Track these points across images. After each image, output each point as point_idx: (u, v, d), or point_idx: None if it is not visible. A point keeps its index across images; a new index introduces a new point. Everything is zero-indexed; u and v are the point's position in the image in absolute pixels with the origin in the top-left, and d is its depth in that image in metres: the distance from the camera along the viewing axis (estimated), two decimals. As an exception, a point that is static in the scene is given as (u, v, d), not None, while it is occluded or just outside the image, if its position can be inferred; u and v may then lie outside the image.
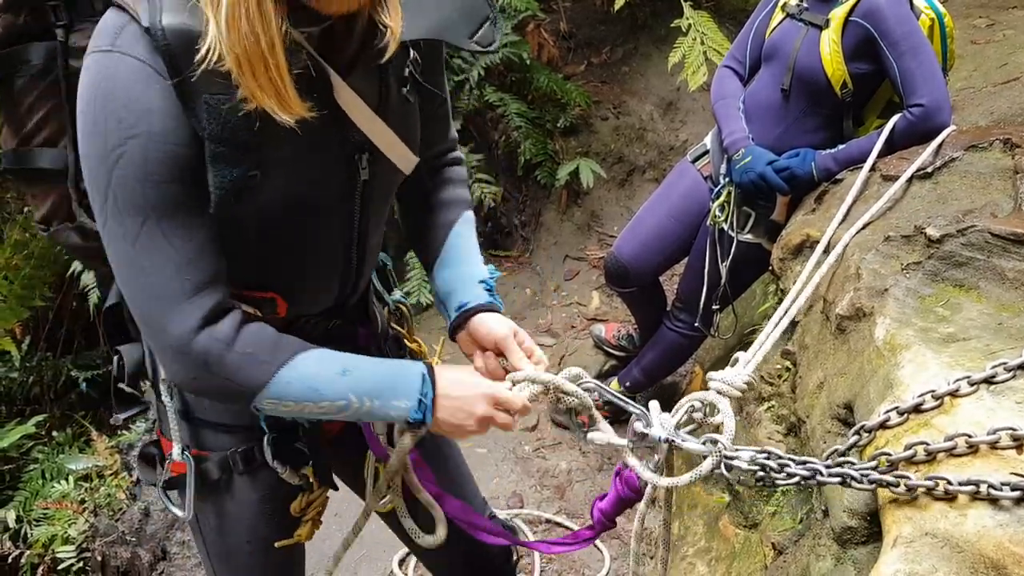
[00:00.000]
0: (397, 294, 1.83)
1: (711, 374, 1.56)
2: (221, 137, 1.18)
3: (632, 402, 1.53)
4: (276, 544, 1.65)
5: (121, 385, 1.61)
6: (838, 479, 1.29)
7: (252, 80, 1.12)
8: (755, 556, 2.45)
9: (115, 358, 1.59)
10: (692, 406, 1.47)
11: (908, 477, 1.22)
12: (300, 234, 1.41)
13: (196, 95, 1.15)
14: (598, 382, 1.52)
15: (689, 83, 3.94)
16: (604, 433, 1.52)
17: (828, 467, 1.30)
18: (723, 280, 2.98)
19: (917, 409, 1.37)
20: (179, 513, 1.58)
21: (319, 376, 1.32)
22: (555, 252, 4.62)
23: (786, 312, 1.80)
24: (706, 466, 1.39)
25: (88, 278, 3.80)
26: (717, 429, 1.43)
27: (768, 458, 1.36)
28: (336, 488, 1.69)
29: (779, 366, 2.55)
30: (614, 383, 3.62)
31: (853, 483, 1.27)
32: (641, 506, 1.68)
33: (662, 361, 3.43)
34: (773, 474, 1.35)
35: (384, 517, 1.80)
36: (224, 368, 1.27)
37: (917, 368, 1.48)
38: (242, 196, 1.25)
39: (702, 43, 3.96)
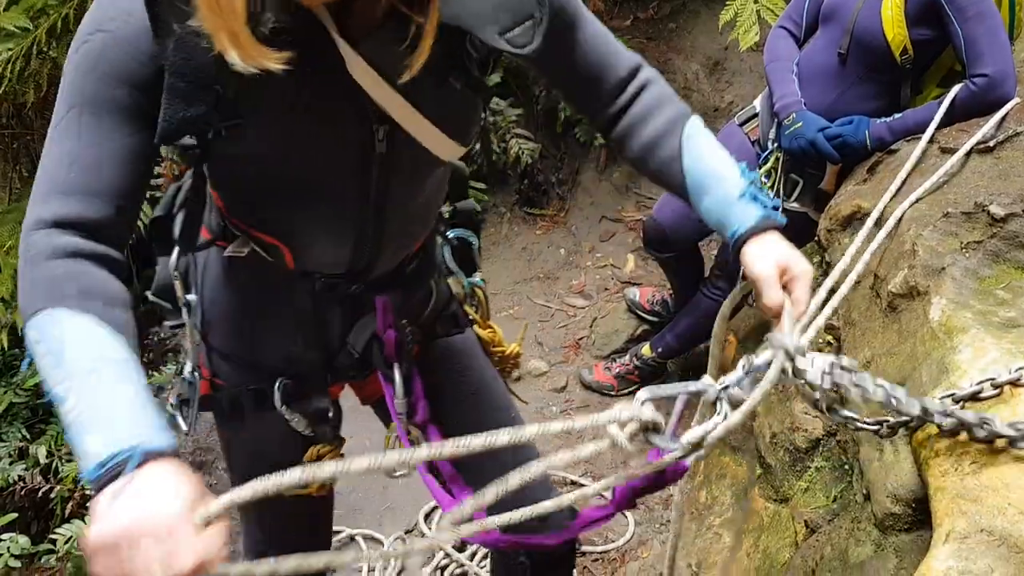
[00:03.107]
0: (477, 277, 1.79)
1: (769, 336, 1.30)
2: (181, 71, 1.13)
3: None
4: (287, 493, 1.61)
5: (148, 293, 1.62)
6: (918, 409, 1.20)
7: (208, 12, 1.05)
8: (785, 531, 2.41)
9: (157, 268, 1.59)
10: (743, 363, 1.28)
11: (991, 422, 1.15)
12: (300, 195, 1.36)
13: (168, 22, 1.11)
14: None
15: (740, 43, 3.81)
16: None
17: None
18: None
19: (975, 397, 1.31)
20: (182, 426, 1.55)
21: (74, 349, 1.06)
22: (591, 212, 4.54)
23: (836, 287, 1.72)
24: (772, 373, 1.21)
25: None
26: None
27: (843, 369, 1.20)
28: (333, 443, 1.65)
29: (820, 340, 2.49)
30: (646, 348, 3.58)
31: (935, 416, 1.19)
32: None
33: (697, 328, 3.37)
34: (846, 390, 1.19)
35: None
36: (27, 272, 1.14)
37: (975, 353, 1.42)
38: (209, 142, 1.21)
39: (755, 1, 3.82)
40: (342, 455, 1.65)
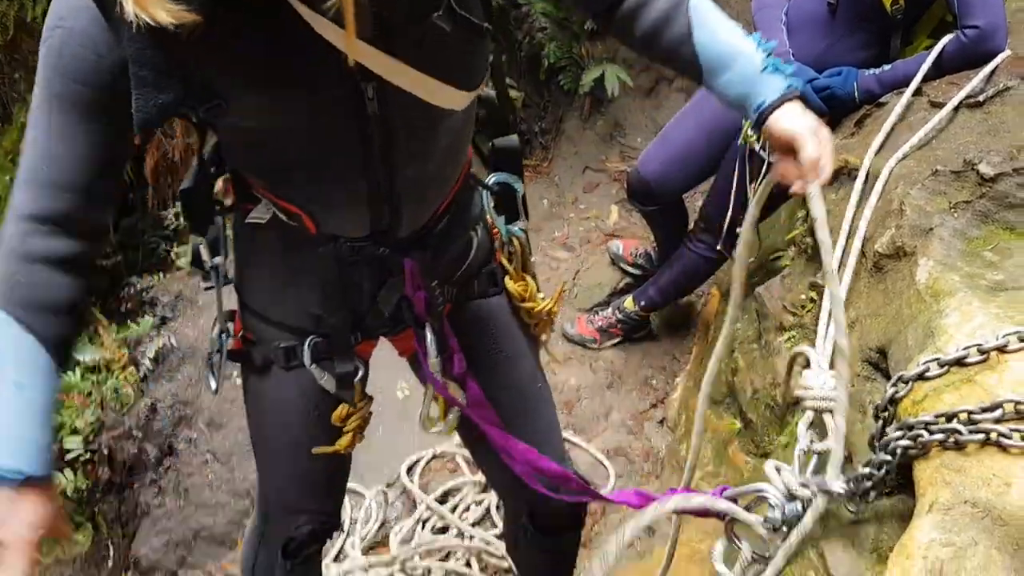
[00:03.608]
0: (519, 225, 1.70)
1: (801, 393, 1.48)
2: (141, 60, 1.11)
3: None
4: (315, 451, 1.64)
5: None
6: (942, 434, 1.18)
7: None
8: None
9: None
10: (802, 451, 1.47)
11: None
12: (304, 166, 1.32)
13: (111, 5, 1.06)
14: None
15: (726, -11, 3.73)
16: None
17: (931, 424, 1.19)
18: (750, 203, 2.87)
19: (960, 362, 1.29)
20: (212, 385, 1.61)
21: None
22: (575, 163, 4.48)
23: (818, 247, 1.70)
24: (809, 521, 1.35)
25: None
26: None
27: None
28: (355, 406, 1.64)
29: (803, 296, 2.47)
30: (628, 301, 3.56)
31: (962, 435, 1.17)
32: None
33: (680, 282, 3.35)
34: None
35: None
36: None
37: (962, 317, 1.39)
38: (200, 121, 1.24)
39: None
40: (370, 413, 1.66)
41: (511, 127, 1.71)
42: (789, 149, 1.44)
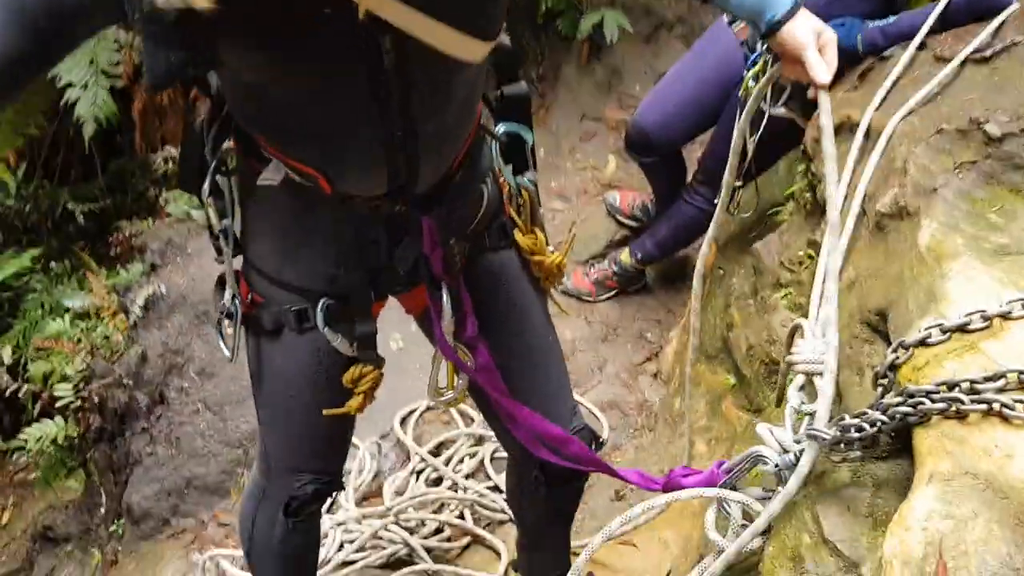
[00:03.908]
0: (528, 176, 1.66)
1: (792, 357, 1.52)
2: (152, 16, 1.03)
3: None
4: (325, 412, 1.63)
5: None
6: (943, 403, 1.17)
7: None
8: (758, 442, 2.41)
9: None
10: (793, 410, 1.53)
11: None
12: (321, 119, 1.28)
13: None
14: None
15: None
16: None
17: (933, 393, 1.18)
18: (749, 156, 2.82)
19: (963, 329, 1.27)
20: (225, 353, 1.61)
21: None
22: (572, 111, 4.40)
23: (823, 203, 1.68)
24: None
25: (82, 108, 3.62)
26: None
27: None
28: (379, 367, 1.63)
29: (801, 253, 2.45)
30: (624, 254, 3.53)
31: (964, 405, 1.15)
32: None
33: (677, 235, 3.32)
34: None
35: None
36: None
37: (965, 281, 1.37)
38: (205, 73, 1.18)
39: None
40: (382, 375, 1.65)
41: (519, 74, 1.65)
42: (797, 59, 1.58)
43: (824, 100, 1.60)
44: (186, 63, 1.11)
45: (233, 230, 1.53)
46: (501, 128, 1.62)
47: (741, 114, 2.79)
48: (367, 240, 1.52)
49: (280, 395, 1.67)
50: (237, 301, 1.57)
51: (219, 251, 1.56)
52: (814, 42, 1.56)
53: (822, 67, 1.56)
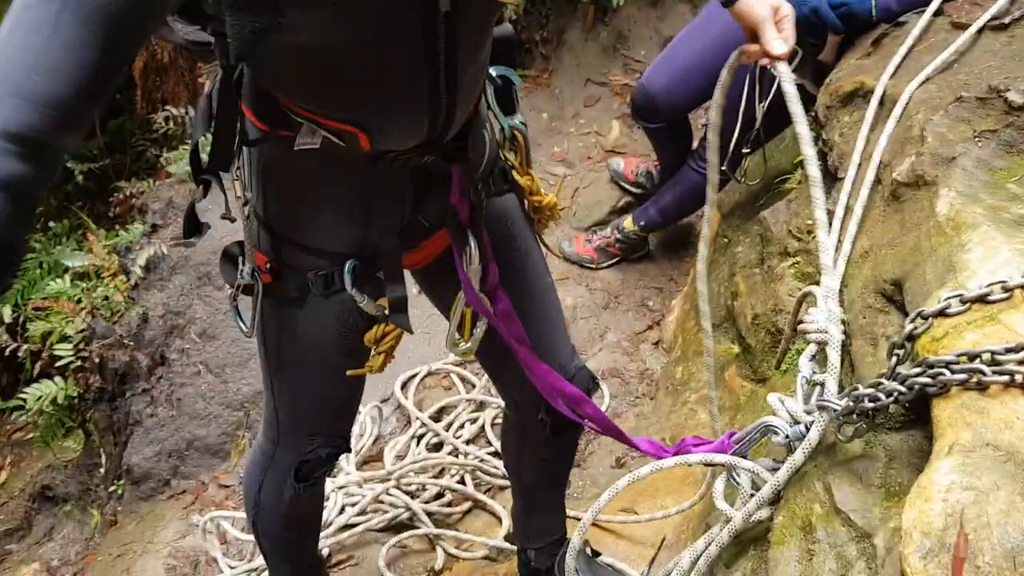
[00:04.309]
0: (518, 118, 1.68)
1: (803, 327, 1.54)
2: None
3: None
4: (348, 372, 1.63)
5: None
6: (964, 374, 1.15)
7: None
8: (762, 412, 2.40)
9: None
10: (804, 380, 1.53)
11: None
12: (369, 70, 1.28)
13: None
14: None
15: None
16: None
17: (953, 364, 1.16)
18: (757, 123, 2.79)
19: (983, 300, 1.25)
20: (243, 329, 1.59)
21: None
22: (576, 75, 4.35)
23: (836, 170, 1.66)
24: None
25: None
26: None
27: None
28: (412, 331, 1.62)
29: (810, 221, 2.42)
30: (628, 221, 3.50)
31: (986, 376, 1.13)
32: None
33: (681, 202, 3.30)
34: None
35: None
36: None
37: (985, 252, 1.35)
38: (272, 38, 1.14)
39: None
40: (401, 333, 1.65)
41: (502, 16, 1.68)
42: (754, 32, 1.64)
43: (783, 69, 1.67)
44: (265, 27, 1.11)
45: (254, 201, 1.52)
46: (493, 71, 1.64)
47: (748, 82, 2.77)
48: (394, 197, 1.52)
49: (299, 360, 1.67)
50: (257, 274, 1.55)
51: (232, 220, 1.53)
52: (771, 16, 1.61)
53: (777, 40, 1.62)
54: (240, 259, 1.60)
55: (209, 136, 1.39)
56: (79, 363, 3.28)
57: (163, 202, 3.67)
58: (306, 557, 2.14)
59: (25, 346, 3.42)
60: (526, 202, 1.77)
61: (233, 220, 1.51)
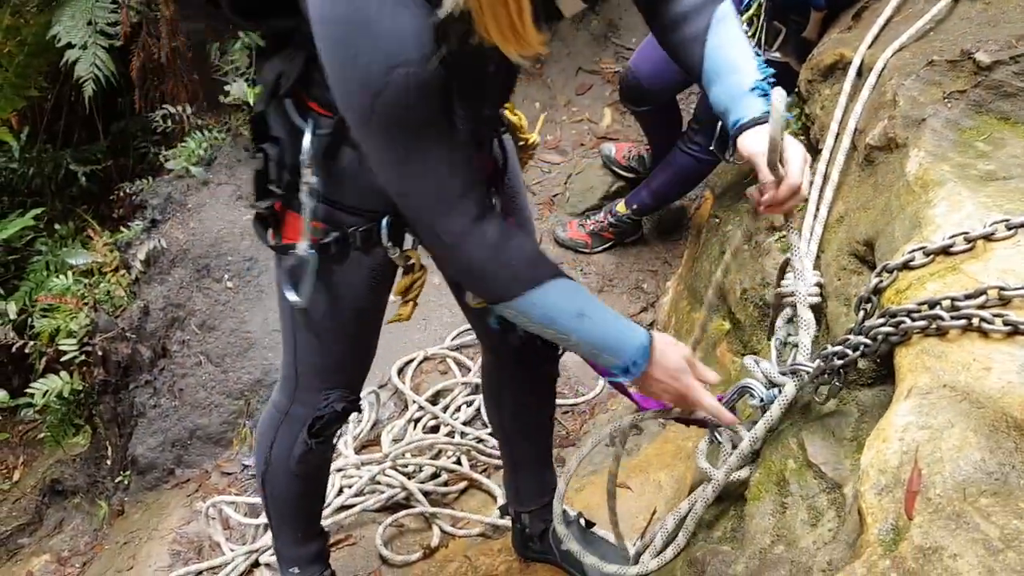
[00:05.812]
0: None
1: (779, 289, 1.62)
2: (465, 75, 1.23)
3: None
4: (386, 321, 1.85)
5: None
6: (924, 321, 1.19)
7: (493, 23, 1.13)
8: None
9: (262, 156, 1.63)
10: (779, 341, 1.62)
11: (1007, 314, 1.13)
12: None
13: (444, 33, 1.17)
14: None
15: None
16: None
17: (914, 312, 1.20)
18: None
19: (946, 251, 1.28)
20: (293, 298, 1.68)
21: (559, 309, 1.44)
22: (568, 64, 4.37)
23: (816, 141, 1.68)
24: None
25: (82, 69, 3.60)
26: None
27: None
28: (425, 268, 1.76)
29: (795, 196, 2.44)
30: (621, 205, 3.53)
31: (944, 321, 1.17)
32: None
33: (673, 184, 3.32)
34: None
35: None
36: (484, 272, 1.41)
37: (950, 207, 1.38)
38: None
39: None
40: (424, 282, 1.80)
41: None
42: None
43: (792, 235, 1.61)
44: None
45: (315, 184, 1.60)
46: None
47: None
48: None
49: (332, 314, 1.76)
50: (314, 251, 1.62)
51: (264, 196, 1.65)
52: (759, 153, 1.48)
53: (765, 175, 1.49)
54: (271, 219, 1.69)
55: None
56: (83, 357, 3.33)
57: (162, 197, 3.70)
58: (311, 522, 2.20)
59: (32, 343, 3.46)
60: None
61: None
